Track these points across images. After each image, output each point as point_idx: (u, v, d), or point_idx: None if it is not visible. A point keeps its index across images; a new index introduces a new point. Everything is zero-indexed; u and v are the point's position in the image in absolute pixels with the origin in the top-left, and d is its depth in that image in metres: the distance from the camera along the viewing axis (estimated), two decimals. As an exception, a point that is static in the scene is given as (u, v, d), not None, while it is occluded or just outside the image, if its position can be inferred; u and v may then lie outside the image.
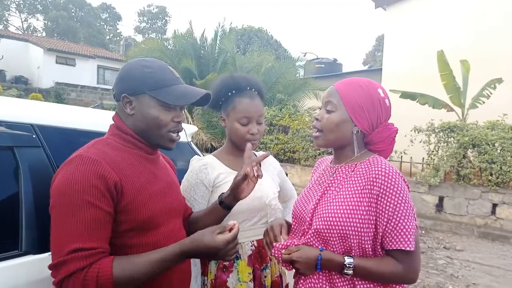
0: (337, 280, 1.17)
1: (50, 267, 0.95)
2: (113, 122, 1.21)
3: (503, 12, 9.25)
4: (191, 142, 2.12)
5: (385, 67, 11.80)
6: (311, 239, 1.19)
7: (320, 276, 1.18)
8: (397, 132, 1.27)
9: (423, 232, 6.44)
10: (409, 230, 1.11)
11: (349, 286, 1.16)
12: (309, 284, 1.19)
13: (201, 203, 1.52)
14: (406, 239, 1.11)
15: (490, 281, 4.34)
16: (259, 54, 14.69)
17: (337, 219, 1.14)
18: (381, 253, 1.16)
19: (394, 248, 1.12)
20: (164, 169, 1.27)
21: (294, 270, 1.23)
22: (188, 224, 1.40)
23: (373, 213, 1.13)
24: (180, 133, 1.24)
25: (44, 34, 37.26)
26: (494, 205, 6.40)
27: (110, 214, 1.02)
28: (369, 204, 1.13)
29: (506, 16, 9.14)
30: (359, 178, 1.19)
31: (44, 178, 1.26)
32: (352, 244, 1.14)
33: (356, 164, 1.24)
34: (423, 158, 7.40)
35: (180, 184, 1.41)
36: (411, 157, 7.43)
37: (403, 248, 1.11)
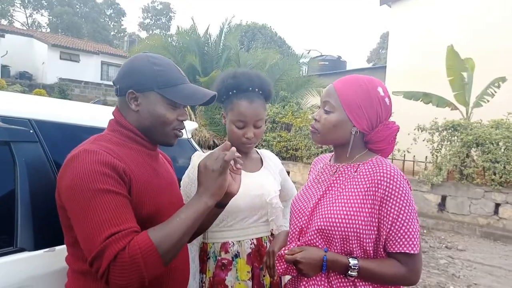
0: (337, 281, 1.15)
1: (89, 262, 0.93)
2: (112, 118, 1.19)
3: (510, 8, 9.16)
4: (191, 139, 2.12)
5: (390, 64, 11.74)
6: (315, 238, 1.17)
7: (323, 278, 1.16)
8: (398, 131, 1.24)
9: (425, 231, 6.41)
10: (413, 233, 1.10)
11: (350, 286, 1.14)
12: (312, 287, 1.17)
13: None
14: (411, 242, 1.10)
15: (491, 281, 4.31)
16: (263, 51, 14.65)
17: (340, 219, 1.13)
18: (383, 254, 1.15)
19: (399, 251, 1.11)
20: (164, 166, 1.26)
21: (289, 276, 1.22)
22: None
23: (376, 215, 1.12)
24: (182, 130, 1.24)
25: (48, 30, 37.35)
26: (497, 205, 6.36)
27: (127, 197, 1.01)
28: (373, 206, 1.12)
29: (512, 14, 9.06)
30: (362, 180, 1.18)
31: (41, 173, 1.26)
32: (353, 245, 1.13)
33: (359, 165, 1.22)
34: (426, 156, 7.36)
35: (178, 181, 1.40)
36: (414, 156, 7.39)
37: (407, 251, 1.09)
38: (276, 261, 1.24)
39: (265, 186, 1.56)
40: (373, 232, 1.12)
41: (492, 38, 9.16)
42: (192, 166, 1.55)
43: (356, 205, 1.13)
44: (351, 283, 1.14)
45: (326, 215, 1.16)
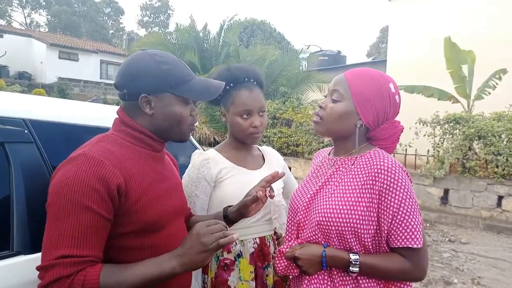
0: (339, 279, 1.12)
1: (38, 268, 0.92)
2: (116, 117, 1.14)
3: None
4: (191, 136, 2.09)
5: (390, 58, 11.70)
6: (314, 233, 1.14)
7: (325, 276, 1.13)
8: (402, 131, 1.21)
9: (427, 225, 6.40)
10: (415, 226, 1.06)
11: (352, 283, 1.11)
12: (314, 286, 1.14)
13: (202, 198, 1.48)
14: (413, 236, 1.06)
15: (495, 274, 4.30)
16: (262, 47, 14.61)
17: (336, 214, 1.10)
18: (386, 250, 1.12)
19: (401, 245, 1.07)
20: (169, 167, 1.23)
21: (292, 276, 1.20)
22: (187, 227, 1.35)
23: (374, 210, 1.09)
24: None
25: (47, 29, 37.25)
26: (500, 197, 6.33)
27: (107, 220, 0.97)
28: (371, 200, 1.09)
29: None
30: (359, 172, 1.14)
31: (37, 175, 1.22)
32: (351, 241, 1.10)
33: (357, 157, 1.18)
34: (428, 150, 7.33)
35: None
36: (416, 150, 7.36)
37: (410, 246, 1.06)
38: (276, 259, 1.22)
39: None
40: (371, 227, 1.09)
41: (493, 30, 9.10)
42: (193, 165, 1.51)
43: (353, 199, 1.10)
44: (353, 280, 1.11)
45: (322, 209, 1.13)
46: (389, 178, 1.08)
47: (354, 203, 1.10)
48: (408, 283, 1.15)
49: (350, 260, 1.08)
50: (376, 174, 1.09)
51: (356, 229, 1.08)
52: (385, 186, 1.08)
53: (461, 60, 7.27)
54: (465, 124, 6.57)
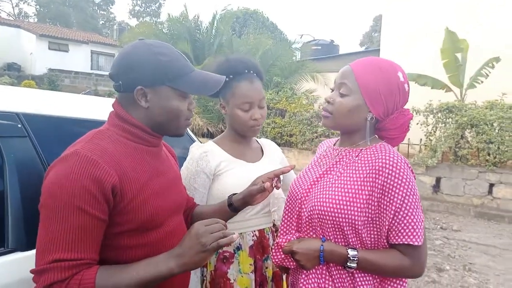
0: (337, 272, 1.12)
1: (32, 272, 0.90)
2: (112, 110, 1.10)
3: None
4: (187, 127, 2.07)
5: (383, 48, 11.66)
6: (312, 221, 1.13)
7: (323, 270, 1.13)
8: (412, 119, 1.18)
9: (421, 213, 6.47)
10: (417, 223, 1.05)
11: (348, 278, 1.11)
12: (312, 280, 1.14)
13: (201, 191, 1.47)
14: (414, 233, 1.04)
15: (487, 260, 4.37)
16: (255, 36, 14.49)
17: (332, 205, 1.09)
18: (386, 245, 1.11)
19: (402, 242, 1.06)
20: (167, 162, 1.19)
21: (290, 270, 1.20)
22: (192, 218, 1.34)
23: (374, 204, 1.07)
24: None
25: (36, 19, 36.54)
26: (491, 185, 6.43)
27: (102, 221, 0.94)
28: (371, 193, 1.07)
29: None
30: (363, 165, 1.12)
31: (31, 170, 1.20)
32: (348, 234, 1.09)
33: (362, 150, 1.16)
34: (420, 139, 7.38)
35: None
36: (408, 139, 7.41)
37: (411, 243, 1.05)
38: (273, 251, 1.21)
39: None
40: (370, 222, 1.08)
41: (487, 20, 9.10)
42: (191, 158, 1.49)
43: (352, 190, 1.09)
44: (349, 274, 1.11)
45: (319, 198, 1.12)
46: (393, 174, 1.06)
47: (353, 195, 1.08)
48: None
49: (348, 255, 1.07)
50: (380, 169, 1.07)
51: (353, 222, 1.07)
52: (388, 181, 1.06)
53: (456, 49, 7.28)
54: (458, 113, 6.62)
